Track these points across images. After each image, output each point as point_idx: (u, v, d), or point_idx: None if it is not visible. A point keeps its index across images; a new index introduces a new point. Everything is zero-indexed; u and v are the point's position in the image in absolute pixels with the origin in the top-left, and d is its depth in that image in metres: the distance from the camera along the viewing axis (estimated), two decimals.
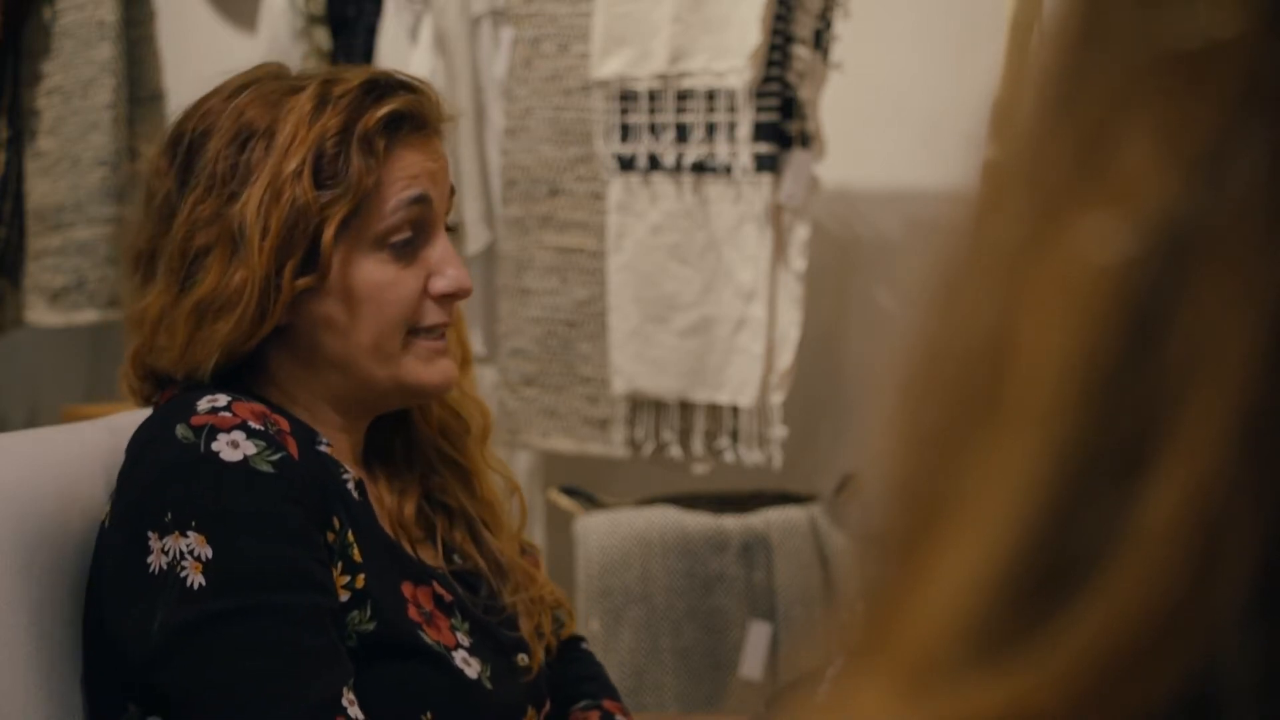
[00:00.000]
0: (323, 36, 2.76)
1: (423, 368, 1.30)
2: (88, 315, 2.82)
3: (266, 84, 1.29)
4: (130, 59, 2.84)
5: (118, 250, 2.76)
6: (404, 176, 1.28)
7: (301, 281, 1.24)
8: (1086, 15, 0.31)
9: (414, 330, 1.30)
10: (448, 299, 1.31)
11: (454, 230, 1.35)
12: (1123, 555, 0.29)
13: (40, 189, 2.85)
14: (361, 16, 2.77)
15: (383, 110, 1.27)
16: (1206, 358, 0.28)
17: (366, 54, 2.73)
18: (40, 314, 2.86)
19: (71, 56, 2.82)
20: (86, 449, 1.30)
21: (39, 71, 2.86)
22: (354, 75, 1.30)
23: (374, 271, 1.27)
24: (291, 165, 1.23)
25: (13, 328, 2.92)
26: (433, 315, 1.30)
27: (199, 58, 2.93)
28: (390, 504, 1.36)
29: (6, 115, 2.85)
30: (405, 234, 1.28)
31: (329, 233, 1.24)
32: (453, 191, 1.36)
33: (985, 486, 0.30)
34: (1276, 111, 0.28)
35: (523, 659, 1.35)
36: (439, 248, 1.31)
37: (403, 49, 2.70)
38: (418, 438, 1.41)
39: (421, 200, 1.29)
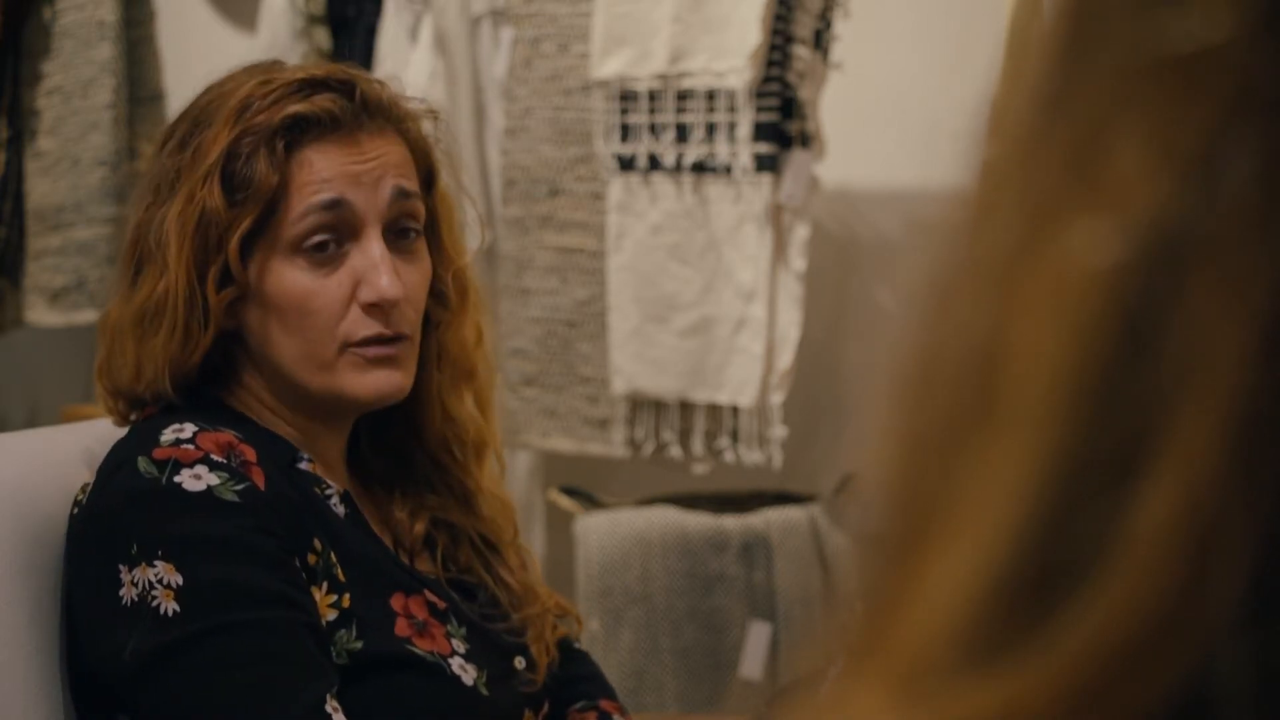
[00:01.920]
0: (323, 36, 2.76)
1: (356, 378, 1.24)
2: (88, 315, 2.82)
3: (228, 82, 1.26)
4: (130, 59, 2.84)
5: (118, 250, 2.76)
6: (313, 180, 1.22)
7: (225, 294, 1.21)
8: (1079, 19, 0.31)
9: (347, 344, 1.24)
10: (375, 309, 1.24)
11: (415, 234, 1.29)
12: (1117, 559, 0.29)
13: (40, 189, 2.85)
14: (361, 16, 2.77)
15: (285, 112, 1.22)
16: (1199, 362, 0.28)
17: (366, 54, 2.73)
18: (40, 314, 2.86)
19: (71, 56, 2.82)
20: (86, 449, 1.30)
21: (39, 71, 2.86)
22: (286, 75, 1.26)
23: (292, 280, 1.23)
24: (202, 170, 1.20)
25: (13, 328, 2.92)
26: (362, 327, 1.24)
27: (199, 58, 2.92)
28: (401, 519, 1.34)
29: (6, 115, 2.85)
30: (316, 239, 1.22)
31: (233, 243, 1.20)
32: (432, 182, 1.30)
33: (980, 491, 0.30)
34: (1269, 116, 0.28)
35: (519, 661, 1.35)
36: (365, 255, 1.24)
37: (403, 49, 2.69)
38: (418, 459, 1.38)
39: (334, 206, 1.23)
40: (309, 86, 1.25)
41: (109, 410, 1.30)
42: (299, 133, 1.23)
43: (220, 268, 1.21)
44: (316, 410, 1.29)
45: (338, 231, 1.24)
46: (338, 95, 1.25)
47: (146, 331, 1.22)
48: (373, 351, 1.24)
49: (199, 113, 1.25)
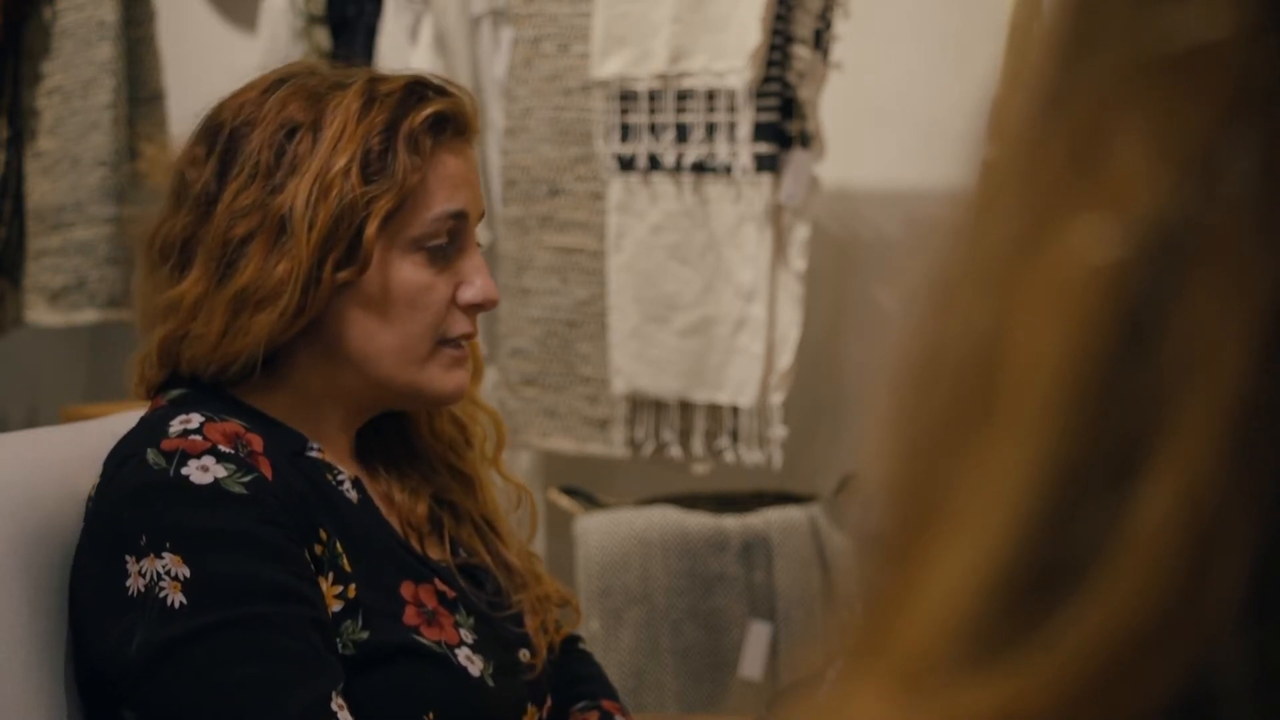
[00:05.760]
0: (323, 36, 2.76)
1: (443, 376, 1.31)
2: (88, 315, 2.82)
3: (306, 79, 1.30)
4: (130, 59, 2.84)
5: (119, 249, 2.77)
6: (448, 185, 1.30)
7: (342, 275, 1.25)
8: (1080, 16, 0.31)
9: (443, 339, 1.31)
10: (474, 309, 1.32)
11: (480, 248, 1.37)
12: (1118, 558, 0.29)
13: (40, 189, 2.85)
14: (361, 16, 2.77)
15: (428, 110, 1.28)
16: (1200, 360, 0.28)
17: (366, 54, 2.73)
18: (40, 314, 2.86)
19: (71, 56, 2.82)
20: (86, 449, 1.30)
21: (39, 71, 2.86)
22: (397, 75, 1.32)
23: (410, 273, 1.29)
24: (340, 161, 1.24)
25: (13, 328, 2.92)
26: (460, 325, 1.32)
27: (199, 58, 2.93)
28: (401, 501, 1.36)
29: (6, 115, 2.85)
30: (441, 240, 1.30)
31: (372, 226, 1.25)
32: (483, 214, 1.37)
33: (980, 489, 0.30)
34: (1268, 113, 0.28)
35: (525, 654, 1.35)
36: (470, 258, 1.32)
37: (403, 49, 2.70)
38: (421, 442, 1.41)
39: (461, 215, 1.31)
40: (429, 88, 1.31)
41: (141, 379, 1.32)
42: (438, 131, 1.29)
43: (342, 253, 1.25)
44: (376, 404, 1.34)
45: (455, 236, 1.31)
46: (454, 100, 1.32)
47: (245, 310, 1.24)
48: (461, 353, 1.33)
49: (299, 98, 1.28)
